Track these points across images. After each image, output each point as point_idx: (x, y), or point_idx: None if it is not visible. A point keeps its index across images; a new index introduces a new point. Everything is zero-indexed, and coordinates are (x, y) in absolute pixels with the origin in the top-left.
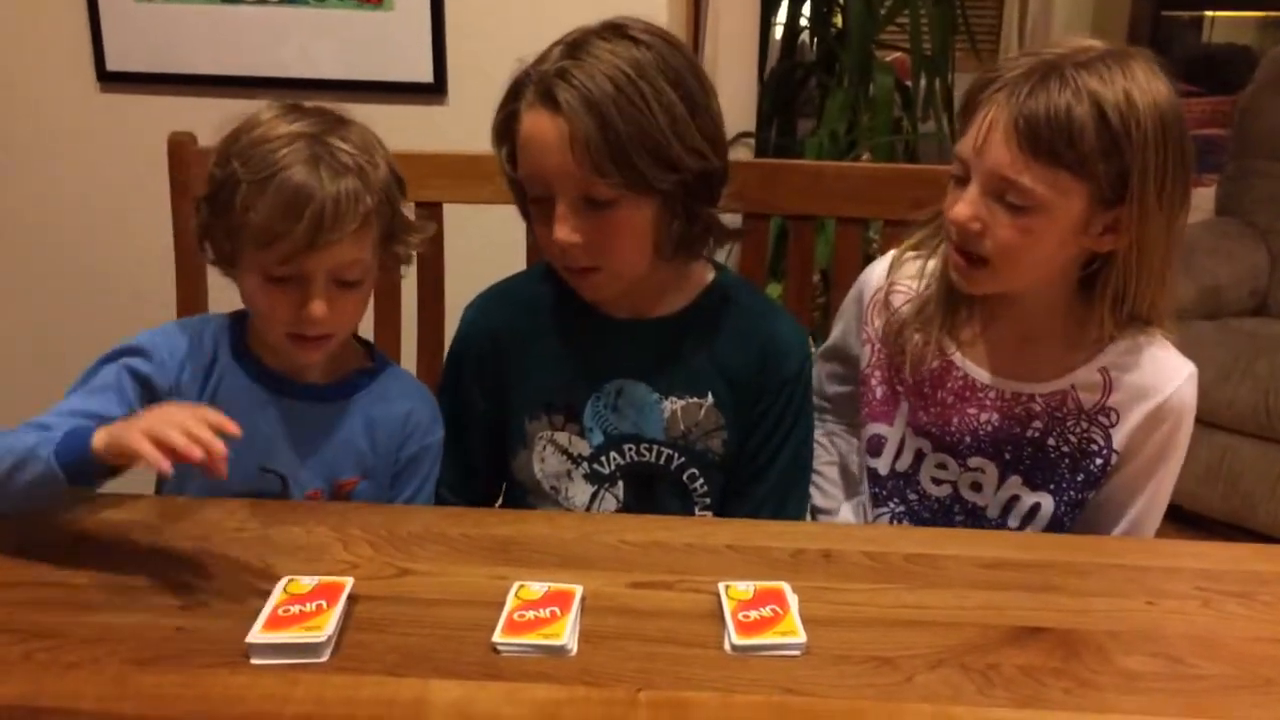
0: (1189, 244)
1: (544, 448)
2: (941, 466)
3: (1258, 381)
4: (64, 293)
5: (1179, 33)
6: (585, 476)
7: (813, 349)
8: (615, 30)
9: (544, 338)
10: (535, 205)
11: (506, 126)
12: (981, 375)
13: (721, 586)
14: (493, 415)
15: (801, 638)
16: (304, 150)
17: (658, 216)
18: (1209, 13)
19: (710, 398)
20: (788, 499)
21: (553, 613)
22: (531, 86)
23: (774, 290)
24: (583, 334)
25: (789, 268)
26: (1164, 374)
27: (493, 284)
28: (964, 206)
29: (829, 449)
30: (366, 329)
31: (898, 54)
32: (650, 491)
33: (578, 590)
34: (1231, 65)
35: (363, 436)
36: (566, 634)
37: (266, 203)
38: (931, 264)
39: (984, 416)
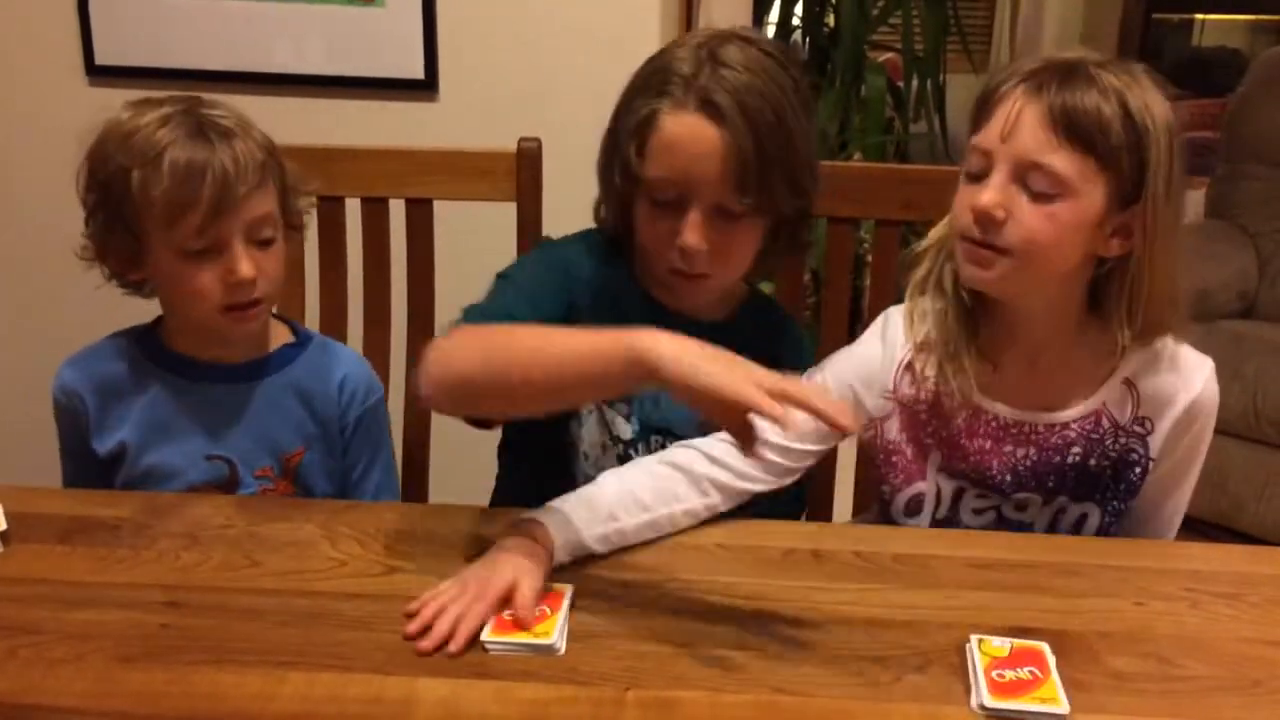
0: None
1: (593, 417)
2: (982, 497)
3: (1246, 384)
4: (52, 287)
5: (1169, 35)
6: (618, 458)
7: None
8: (753, 44)
9: (611, 311)
10: (657, 206)
11: (645, 123)
12: (1012, 413)
13: (974, 639)
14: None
15: (1064, 708)
16: (183, 123)
17: (764, 235)
18: (1199, 16)
19: None
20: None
21: (542, 611)
22: (682, 88)
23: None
24: (646, 321)
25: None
26: (1187, 374)
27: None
28: (989, 194)
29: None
30: (355, 326)
31: (890, 54)
32: None
33: (567, 589)
34: (1222, 68)
35: (299, 406)
36: (555, 633)
37: (165, 177)
38: (938, 304)
39: (1021, 452)
